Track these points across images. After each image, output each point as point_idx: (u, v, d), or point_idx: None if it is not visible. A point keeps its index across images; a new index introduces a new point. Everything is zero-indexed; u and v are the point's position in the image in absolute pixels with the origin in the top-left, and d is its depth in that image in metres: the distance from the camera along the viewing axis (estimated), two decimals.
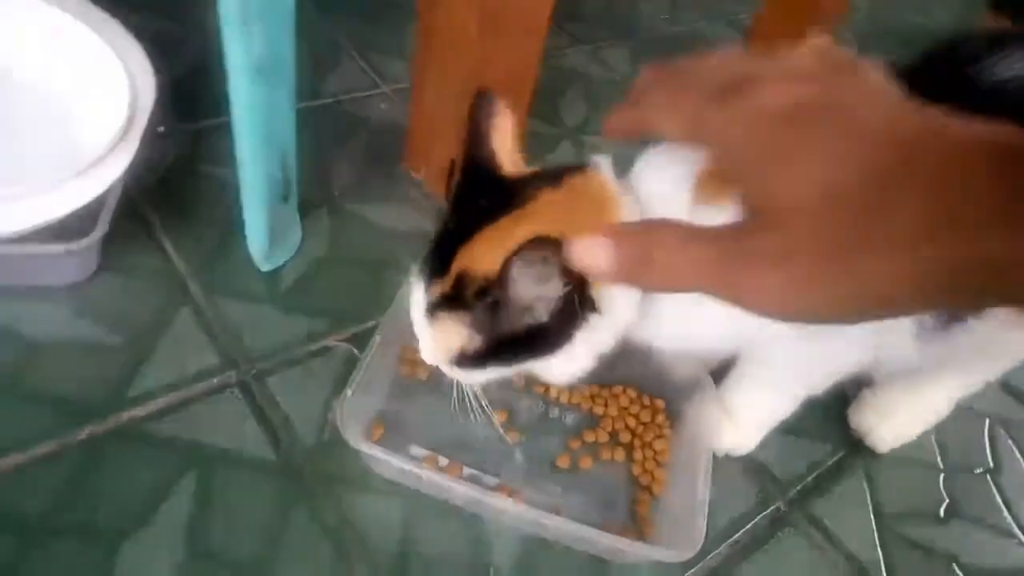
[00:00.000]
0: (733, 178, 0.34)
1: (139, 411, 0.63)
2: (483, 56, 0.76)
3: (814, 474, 0.72)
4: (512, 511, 0.60)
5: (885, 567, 0.67)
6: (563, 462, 0.68)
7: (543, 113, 1.05)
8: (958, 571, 0.68)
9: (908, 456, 0.76)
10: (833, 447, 0.75)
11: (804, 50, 0.36)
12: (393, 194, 0.87)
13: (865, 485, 0.72)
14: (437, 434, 0.67)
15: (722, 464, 0.70)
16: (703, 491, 0.62)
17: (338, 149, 0.91)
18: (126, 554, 0.55)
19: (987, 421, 0.81)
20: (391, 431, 0.66)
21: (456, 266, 0.51)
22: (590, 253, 0.36)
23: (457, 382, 0.60)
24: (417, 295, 0.54)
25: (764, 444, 0.71)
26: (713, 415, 0.70)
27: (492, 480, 0.65)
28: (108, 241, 0.69)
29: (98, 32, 0.76)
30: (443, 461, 0.65)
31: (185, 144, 0.85)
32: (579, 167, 0.54)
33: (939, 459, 0.76)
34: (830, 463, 0.73)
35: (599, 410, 0.72)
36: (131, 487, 0.59)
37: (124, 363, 0.65)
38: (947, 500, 0.73)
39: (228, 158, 0.69)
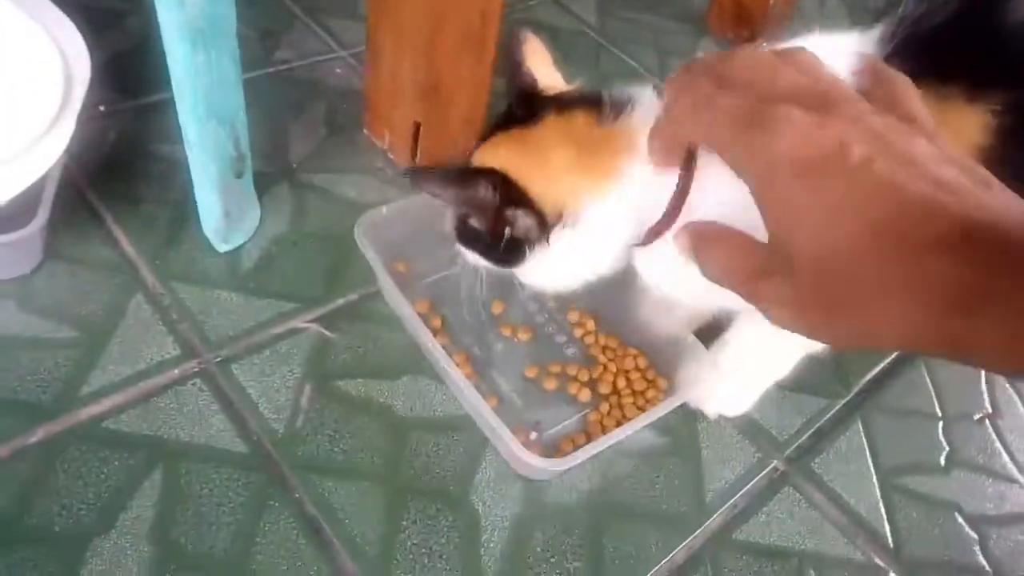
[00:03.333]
0: (756, 200, 0.35)
1: (96, 408, 0.59)
2: (439, 13, 0.71)
3: (811, 430, 0.70)
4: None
5: (888, 521, 0.65)
6: (531, 371, 0.69)
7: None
8: (960, 520, 0.67)
9: (906, 406, 0.73)
10: (829, 401, 0.72)
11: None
12: (355, 163, 0.83)
13: (863, 439, 0.70)
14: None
15: (716, 426, 0.68)
16: None
17: (295, 118, 0.86)
18: (91, 559, 0.51)
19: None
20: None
21: (475, 157, 0.56)
22: (676, 239, 0.41)
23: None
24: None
25: (758, 402, 0.69)
26: (706, 377, 0.67)
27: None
28: (53, 230, 0.64)
29: (24, 9, 0.71)
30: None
31: (131, 122, 0.80)
32: (605, 100, 0.54)
33: (937, 407, 0.74)
34: (827, 418, 0.71)
35: (601, 358, 0.71)
36: (92, 488, 0.55)
37: (77, 358, 0.61)
38: (947, 448, 0.71)
39: (178, 134, 0.64)
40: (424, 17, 0.72)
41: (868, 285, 0.31)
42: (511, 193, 0.52)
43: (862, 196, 0.31)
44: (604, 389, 0.69)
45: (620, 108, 0.53)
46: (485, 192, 0.52)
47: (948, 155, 0.32)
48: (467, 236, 0.58)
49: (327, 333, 0.66)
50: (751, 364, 0.67)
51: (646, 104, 0.53)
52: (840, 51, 0.52)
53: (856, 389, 0.74)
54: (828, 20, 1.27)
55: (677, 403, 0.63)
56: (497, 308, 0.73)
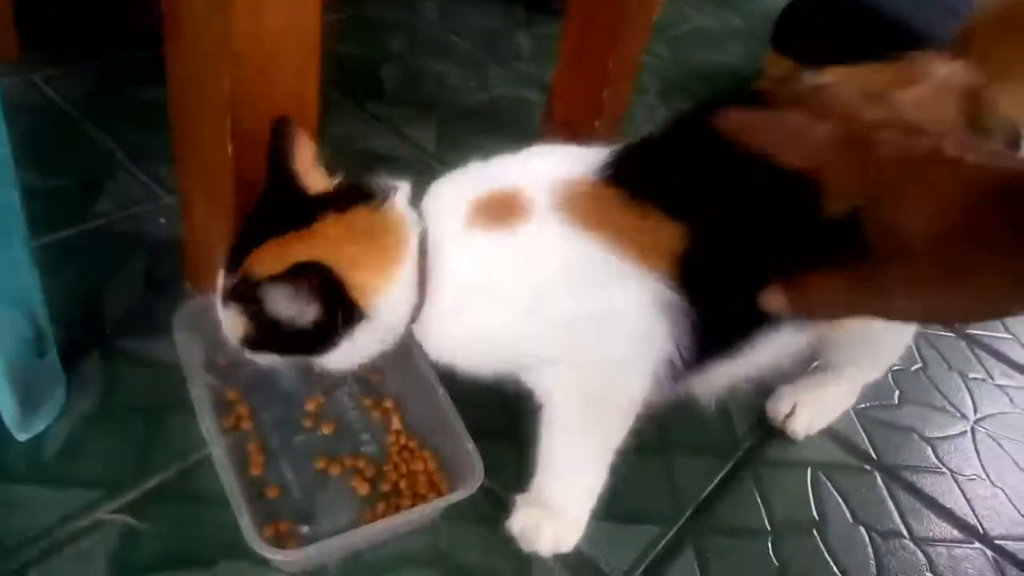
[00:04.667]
0: (866, 212, 0.45)
1: None
2: (245, 174, 0.71)
3: (645, 563, 0.70)
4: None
5: None
6: (321, 463, 0.71)
7: None
8: None
9: (736, 524, 0.75)
10: (662, 527, 0.73)
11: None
12: None
13: (696, 565, 0.71)
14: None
15: (547, 567, 0.68)
16: None
17: (112, 277, 0.83)
18: None
19: (808, 470, 0.83)
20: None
21: (244, 267, 0.58)
22: (767, 300, 0.50)
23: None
24: (219, 281, 0.62)
25: (588, 536, 0.69)
26: (531, 517, 0.67)
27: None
28: None
29: None
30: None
31: None
32: (373, 192, 0.61)
33: (766, 521, 0.76)
34: (660, 547, 0.72)
35: (395, 457, 0.72)
36: None
37: None
38: (776, 564, 0.73)
39: None
40: (230, 179, 0.71)
41: (991, 240, 0.40)
42: (334, 288, 0.56)
43: (964, 178, 0.41)
44: (385, 487, 0.70)
45: (387, 194, 0.61)
46: (317, 285, 0.55)
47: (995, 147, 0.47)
48: (261, 340, 0.61)
49: (135, 522, 0.63)
50: (569, 476, 0.68)
51: (405, 189, 0.62)
52: (567, 156, 0.62)
53: (687, 513, 0.75)
54: None
55: (442, 504, 0.65)
56: (311, 405, 0.75)
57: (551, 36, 1.56)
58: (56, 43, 1.14)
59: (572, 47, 1.15)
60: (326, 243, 0.57)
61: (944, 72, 0.61)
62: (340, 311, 0.57)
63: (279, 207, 0.61)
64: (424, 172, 1.10)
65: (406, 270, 0.59)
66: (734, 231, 0.57)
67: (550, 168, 0.61)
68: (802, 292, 0.48)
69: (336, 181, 0.64)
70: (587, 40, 1.12)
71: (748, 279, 0.53)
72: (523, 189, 0.59)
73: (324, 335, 0.59)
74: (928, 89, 0.59)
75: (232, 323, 0.62)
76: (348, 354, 0.61)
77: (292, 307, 0.57)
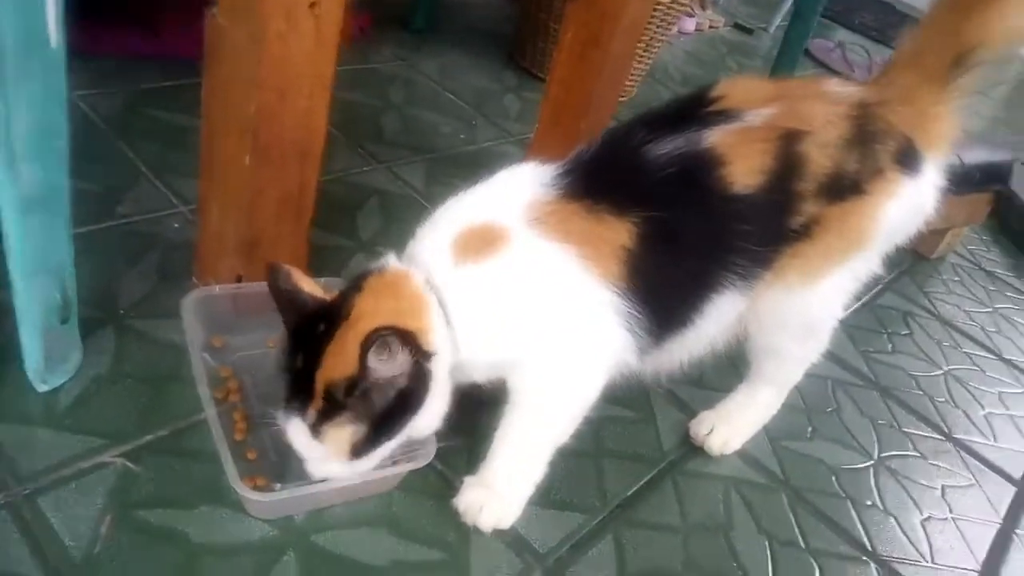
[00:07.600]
0: None
1: None
2: (259, 183, 0.84)
3: (570, 544, 0.81)
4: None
5: None
6: None
7: (341, 228, 1.14)
8: None
9: (654, 520, 0.86)
10: (587, 516, 0.84)
11: None
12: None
13: (614, 549, 0.81)
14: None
15: (485, 540, 0.78)
16: None
17: (128, 268, 0.95)
18: None
19: (723, 484, 0.94)
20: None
21: (319, 385, 0.66)
22: None
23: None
24: (294, 428, 0.69)
25: (524, 518, 0.80)
26: (476, 496, 0.78)
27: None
28: None
29: None
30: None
31: None
32: (371, 271, 0.71)
33: (680, 520, 0.87)
34: (584, 532, 0.82)
35: None
36: None
37: None
38: (684, 557, 0.83)
39: (6, 279, 0.71)
40: (246, 187, 0.84)
41: None
42: (405, 335, 0.65)
43: None
44: None
45: (379, 264, 0.72)
46: (395, 338, 0.64)
47: None
48: (376, 429, 0.68)
49: (132, 466, 0.73)
50: (515, 461, 0.79)
51: (389, 255, 0.73)
52: (528, 179, 0.74)
53: (611, 507, 0.86)
54: None
55: (398, 471, 0.76)
56: None
57: (536, 101, 1.73)
58: (93, 66, 1.28)
59: (551, 109, 1.30)
60: (368, 315, 0.66)
61: (843, 91, 0.78)
62: (419, 355, 0.66)
63: (315, 326, 0.68)
64: (412, 206, 1.25)
65: (434, 310, 0.69)
66: (676, 224, 0.71)
67: (518, 192, 0.73)
68: None
69: (323, 281, 0.74)
70: (564, 105, 1.27)
71: (691, 262, 0.70)
72: (498, 217, 0.71)
73: (421, 385, 0.68)
74: (828, 102, 0.76)
75: (335, 441, 0.68)
76: (437, 404, 0.71)
77: (388, 364, 0.65)
